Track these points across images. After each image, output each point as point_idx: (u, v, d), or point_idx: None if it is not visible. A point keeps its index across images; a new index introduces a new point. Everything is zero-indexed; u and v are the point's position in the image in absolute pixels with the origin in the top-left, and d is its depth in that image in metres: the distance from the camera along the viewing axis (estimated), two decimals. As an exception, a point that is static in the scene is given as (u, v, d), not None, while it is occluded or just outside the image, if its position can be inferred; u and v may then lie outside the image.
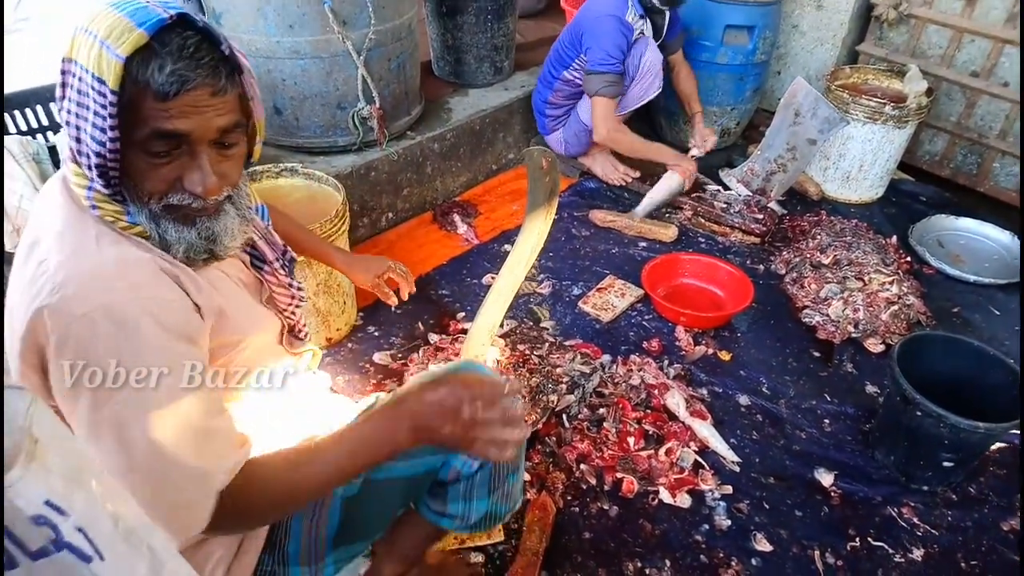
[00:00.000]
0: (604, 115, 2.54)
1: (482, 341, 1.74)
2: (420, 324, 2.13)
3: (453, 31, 2.83)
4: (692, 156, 2.64)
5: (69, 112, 0.82)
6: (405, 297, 1.54)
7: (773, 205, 2.61)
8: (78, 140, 0.82)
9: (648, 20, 2.52)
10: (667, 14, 2.57)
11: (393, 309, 2.15)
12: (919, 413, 1.55)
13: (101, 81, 0.78)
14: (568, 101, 2.67)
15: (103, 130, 0.79)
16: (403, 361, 1.97)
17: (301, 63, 2.17)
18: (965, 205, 2.80)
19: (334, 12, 2.07)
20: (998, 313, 2.28)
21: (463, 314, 2.17)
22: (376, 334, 2.08)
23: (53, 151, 1.67)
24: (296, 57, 2.15)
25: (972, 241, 2.59)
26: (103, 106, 0.78)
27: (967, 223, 2.62)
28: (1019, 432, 1.79)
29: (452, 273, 2.37)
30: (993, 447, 1.77)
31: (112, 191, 0.84)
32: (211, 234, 0.90)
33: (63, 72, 0.82)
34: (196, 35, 0.81)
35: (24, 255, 0.85)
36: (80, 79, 0.79)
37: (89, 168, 0.82)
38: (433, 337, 2.06)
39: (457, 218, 2.62)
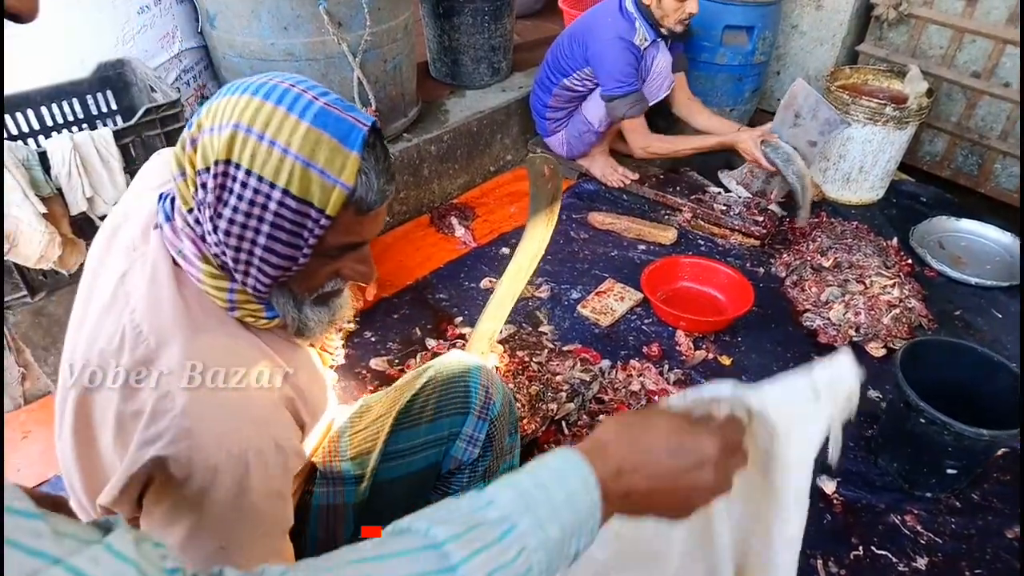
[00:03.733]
0: (635, 134, 2.56)
1: (481, 349, 1.71)
2: (417, 329, 2.10)
3: (450, 32, 2.80)
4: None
5: (231, 222, 0.76)
6: (370, 299, 1.54)
7: (773, 207, 2.59)
8: (240, 250, 0.77)
9: (658, 41, 2.49)
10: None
11: (392, 315, 2.15)
12: (923, 420, 1.53)
13: (307, 203, 0.74)
14: (569, 104, 2.64)
15: (298, 248, 0.77)
16: (400, 367, 1.95)
17: (296, 65, 2.15)
18: (966, 206, 2.79)
19: (329, 14, 2.04)
20: (1000, 316, 2.26)
21: (461, 318, 2.15)
22: (372, 339, 2.06)
23: (43, 157, 1.64)
24: (291, 59, 2.13)
25: (973, 243, 2.58)
26: (310, 229, 0.76)
27: (968, 224, 2.61)
28: (1020, 436, 1.78)
29: (449, 277, 2.35)
30: (997, 453, 1.75)
31: (264, 292, 0.82)
32: (337, 308, 0.92)
33: (220, 175, 0.75)
34: (380, 141, 0.79)
35: (130, 343, 0.78)
36: (257, 191, 0.74)
37: (247, 275, 0.79)
38: (430, 342, 2.04)
39: (455, 221, 2.60)
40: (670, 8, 2.37)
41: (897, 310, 2.10)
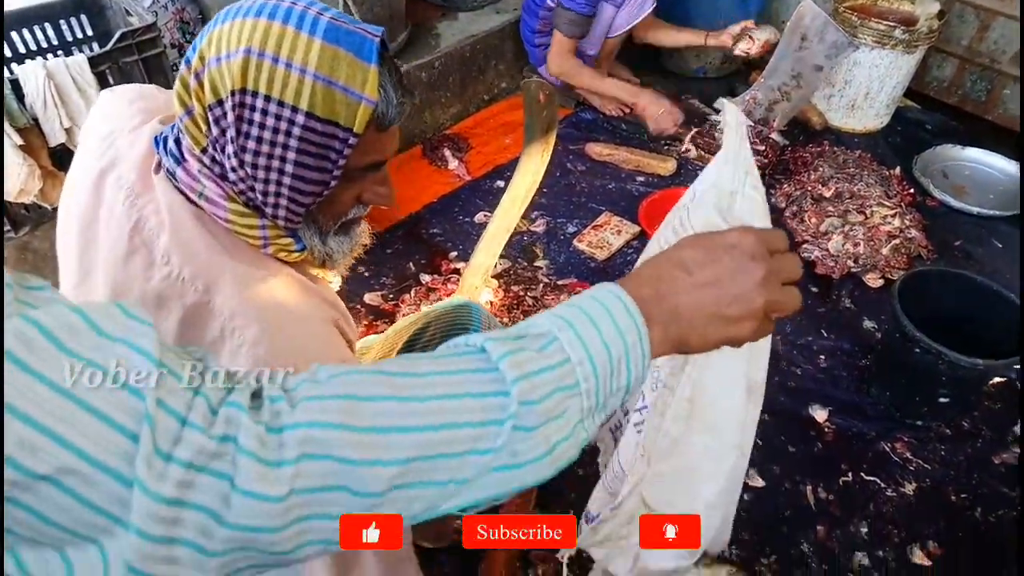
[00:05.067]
0: (557, 52, 2.48)
1: (475, 283, 1.70)
2: (411, 264, 2.08)
3: (440, -50, 2.66)
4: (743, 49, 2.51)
5: (257, 154, 0.73)
6: None
7: (775, 136, 2.52)
8: (268, 181, 0.75)
9: None
10: None
11: (385, 249, 2.12)
12: (918, 350, 1.53)
13: (334, 124, 0.72)
14: (557, 28, 2.53)
15: (327, 171, 0.76)
16: (394, 302, 1.94)
17: (278, -14, 2.04)
18: (972, 134, 2.71)
19: (310, -71, 1.92)
20: (1000, 246, 2.24)
21: (455, 253, 2.12)
22: (366, 274, 2.04)
23: (16, 85, 1.57)
24: (272, -20, 2.01)
25: (977, 172, 2.52)
26: (337, 150, 0.74)
27: (973, 153, 2.55)
28: (1019, 367, 1.78)
29: (443, 211, 2.31)
30: (992, 382, 1.77)
31: (296, 223, 0.80)
32: (356, 236, 0.91)
33: (237, 106, 0.71)
34: (388, 53, 0.76)
35: (174, 294, 0.76)
36: (279, 117, 0.72)
37: (277, 207, 0.77)
38: (425, 277, 2.02)
39: (448, 152, 2.53)
40: None
41: (896, 240, 2.08)
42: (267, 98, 0.71)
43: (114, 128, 0.87)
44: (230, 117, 0.72)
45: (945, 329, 1.55)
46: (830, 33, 2.23)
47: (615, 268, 2.10)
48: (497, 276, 1.96)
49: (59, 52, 1.88)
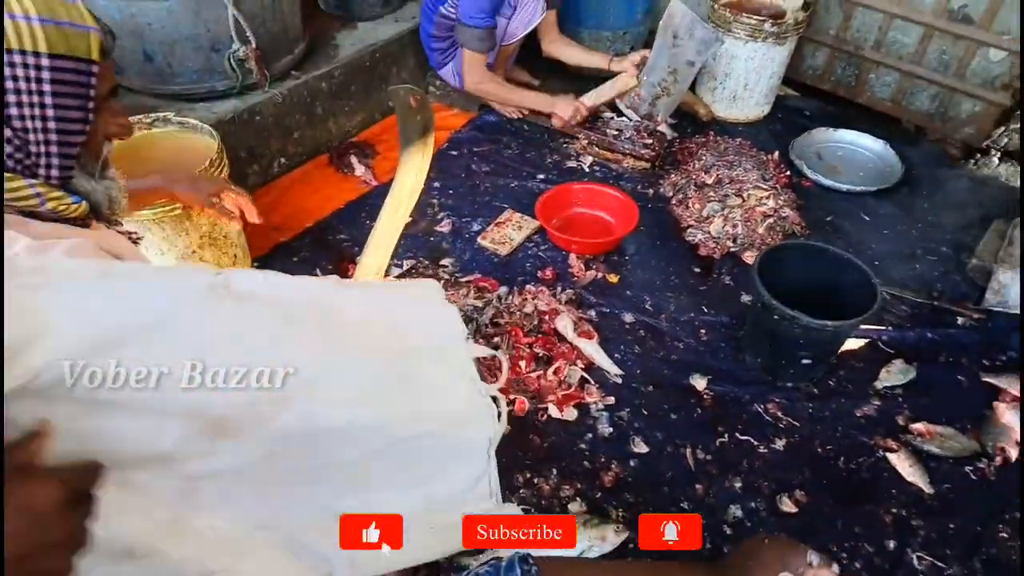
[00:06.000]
0: (470, 68, 2.59)
1: (369, 283, 1.76)
2: (318, 270, 2.14)
3: (334, -38, 2.71)
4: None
5: (19, 105, 0.77)
6: (255, 220, 1.57)
7: (664, 128, 2.68)
8: (37, 131, 0.79)
9: None
10: None
11: (291, 258, 2.18)
12: (775, 316, 1.69)
13: (76, 59, 0.78)
14: (451, 33, 2.62)
15: (85, 108, 0.81)
16: (301, 307, 1.99)
17: (166, 4, 2.06)
18: (846, 117, 2.93)
19: (192, -51, 1.96)
20: (867, 219, 2.45)
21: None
22: (272, 283, 2.08)
23: None
24: (158, -2, 2.04)
25: (849, 152, 2.74)
26: (85, 83, 0.80)
27: (845, 134, 2.76)
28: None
29: (350, 217, 2.37)
30: (855, 346, 1.94)
31: (67, 174, 0.85)
32: (117, 177, 0.97)
33: None
34: None
35: None
36: (26, 66, 0.76)
37: (49, 155, 0.81)
38: (331, 281, 2.08)
39: (354, 159, 2.59)
40: None
41: (771, 220, 2.25)
42: (9, 51, 0.75)
43: None
44: None
45: (808, 299, 1.69)
46: (698, 30, 2.39)
47: (516, 262, 2.21)
48: (400, 277, 2.04)
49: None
